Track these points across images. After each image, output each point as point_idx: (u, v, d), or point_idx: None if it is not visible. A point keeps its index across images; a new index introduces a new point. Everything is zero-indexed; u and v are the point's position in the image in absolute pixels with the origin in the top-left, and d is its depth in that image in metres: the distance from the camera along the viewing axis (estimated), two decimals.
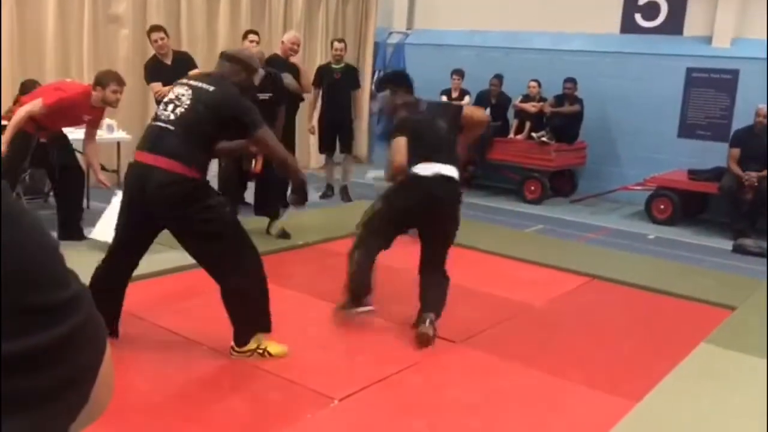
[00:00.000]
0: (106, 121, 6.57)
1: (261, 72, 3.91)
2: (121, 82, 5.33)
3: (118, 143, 6.64)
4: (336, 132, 7.84)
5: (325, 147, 8.08)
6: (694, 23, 8.75)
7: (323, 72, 7.82)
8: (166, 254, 5.24)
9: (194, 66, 6.66)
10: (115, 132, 6.55)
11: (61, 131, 5.61)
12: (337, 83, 7.72)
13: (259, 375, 3.43)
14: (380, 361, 3.69)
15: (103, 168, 6.63)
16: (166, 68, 6.49)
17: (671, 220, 7.86)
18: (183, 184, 3.28)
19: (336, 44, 7.86)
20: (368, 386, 3.37)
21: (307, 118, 7.96)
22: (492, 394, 3.43)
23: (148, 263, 4.94)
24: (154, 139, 3.34)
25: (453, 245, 4.20)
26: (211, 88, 3.38)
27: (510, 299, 4.86)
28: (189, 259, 5.09)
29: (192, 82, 3.44)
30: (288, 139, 7.01)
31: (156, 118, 3.43)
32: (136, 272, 4.74)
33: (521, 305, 4.77)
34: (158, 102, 6.35)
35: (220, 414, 3.06)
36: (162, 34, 6.56)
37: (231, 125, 3.48)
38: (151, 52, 7.61)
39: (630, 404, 3.31)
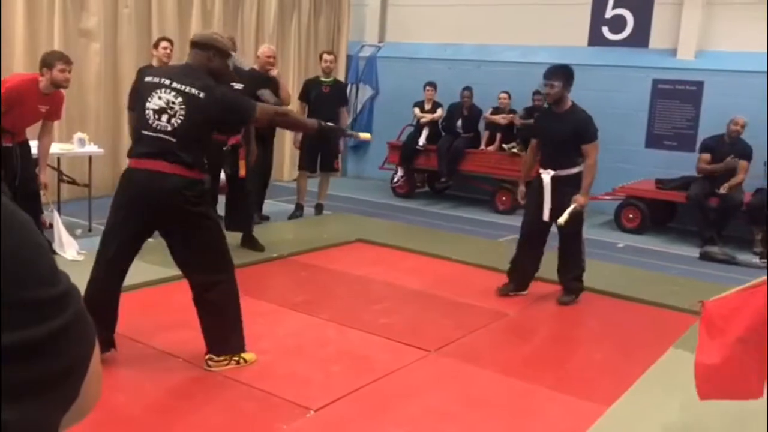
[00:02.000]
0: (78, 135, 6.53)
1: (234, 56, 3.89)
2: (68, 61, 5.15)
3: (90, 157, 6.59)
4: (319, 149, 7.46)
5: (306, 164, 7.61)
6: (659, 36, 8.95)
7: (311, 85, 7.54)
8: (138, 268, 5.22)
9: None
10: (86, 146, 6.50)
11: (26, 141, 5.47)
12: (326, 97, 7.40)
13: (234, 386, 3.43)
14: (355, 371, 3.71)
15: (73, 182, 6.59)
16: None
17: (640, 229, 8.00)
18: (194, 186, 3.41)
19: (326, 56, 7.59)
20: (344, 396, 3.39)
21: (294, 132, 7.56)
22: (467, 402, 3.46)
23: None
24: (156, 148, 3.37)
25: (427, 255, 4.23)
26: (202, 95, 3.39)
27: (483, 308, 4.91)
28: (161, 273, 5.08)
29: (178, 86, 3.40)
30: (266, 153, 7.01)
31: (151, 127, 3.39)
32: None
33: (494, 313, 4.82)
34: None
35: (196, 425, 3.06)
36: (168, 44, 6.57)
37: (228, 122, 3.69)
38: (128, 64, 7.62)
39: (602, 408, 3.37)
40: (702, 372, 2.89)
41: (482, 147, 9.32)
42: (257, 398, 3.32)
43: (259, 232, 6.12)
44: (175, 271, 5.10)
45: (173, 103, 3.37)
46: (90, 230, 6.41)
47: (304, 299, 4.89)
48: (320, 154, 7.54)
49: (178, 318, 4.33)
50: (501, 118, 9.12)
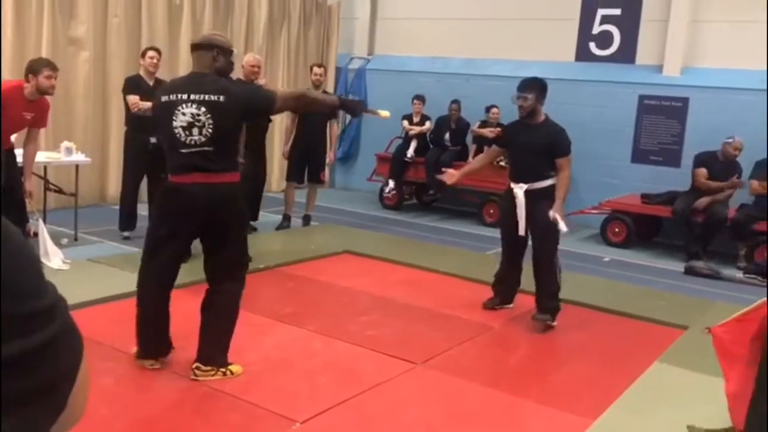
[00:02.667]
0: (65, 143, 6.50)
1: (235, 51, 3.91)
2: (54, 68, 5.15)
3: (77, 166, 6.56)
4: (307, 161, 7.53)
5: (294, 175, 7.62)
6: (645, 52, 9.04)
7: None
8: (124, 278, 5.19)
9: None
10: (73, 155, 6.47)
11: (12, 148, 5.44)
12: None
13: (220, 398, 3.42)
14: (342, 383, 3.71)
15: (60, 191, 6.56)
16: (146, 87, 6.48)
17: (626, 243, 8.05)
18: (237, 188, 3.58)
19: (315, 69, 7.60)
20: (330, 408, 3.39)
21: (284, 142, 7.61)
22: (453, 415, 3.47)
23: (105, 287, 4.91)
24: (196, 161, 3.43)
25: (415, 267, 4.24)
26: (222, 99, 3.45)
27: (470, 320, 4.92)
28: None
29: (197, 97, 3.43)
30: (258, 162, 7.01)
31: (185, 144, 3.42)
32: (93, 296, 4.72)
33: (480, 326, 4.83)
34: (130, 111, 6.33)
35: None
36: (155, 54, 6.56)
37: (253, 116, 3.94)
38: (117, 73, 7.60)
39: (587, 422, 3.39)
40: (731, 400, 2.89)
41: (470, 160, 9.35)
42: (243, 410, 3.31)
43: None
44: None
45: (199, 115, 3.41)
46: (76, 239, 6.38)
47: (291, 311, 4.88)
48: (308, 165, 7.57)
49: None
50: (488, 132, 9.17)
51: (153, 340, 3.66)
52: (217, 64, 3.56)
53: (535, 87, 4.89)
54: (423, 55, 10.57)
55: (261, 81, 7.01)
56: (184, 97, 3.44)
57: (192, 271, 5.57)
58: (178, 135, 3.43)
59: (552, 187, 4.80)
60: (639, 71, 9.08)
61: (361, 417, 3.36)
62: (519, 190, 4.84)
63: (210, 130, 3.41)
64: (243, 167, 5.95)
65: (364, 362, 4.03)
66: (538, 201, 4.76)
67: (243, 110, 3.56)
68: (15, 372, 0.55)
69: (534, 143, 4.79)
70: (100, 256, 5.79)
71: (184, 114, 3.42)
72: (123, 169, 6.78)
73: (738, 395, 2.83)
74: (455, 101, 9.38)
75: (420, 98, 9.58)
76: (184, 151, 3.43)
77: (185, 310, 4.49)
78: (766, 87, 7.64)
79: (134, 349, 3.72)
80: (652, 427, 3.43)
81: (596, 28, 9.33)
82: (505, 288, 5.17)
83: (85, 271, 5.32)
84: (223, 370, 3.59)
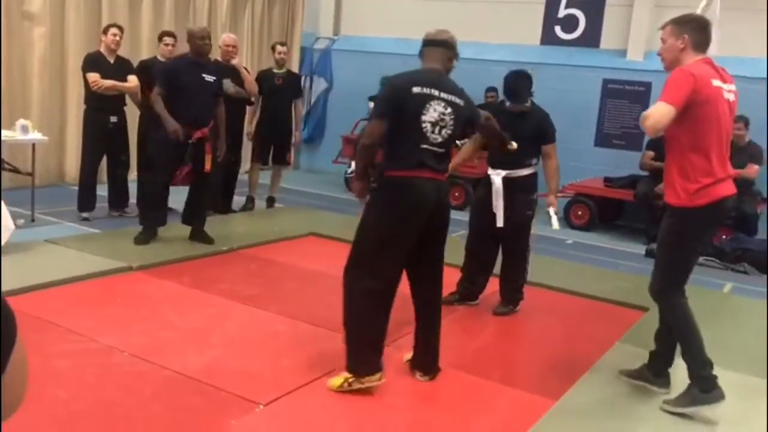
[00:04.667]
0: (21, 121, 6.32)
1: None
2: None
3: (33, 145, 6.38)
4: (272, 142, 7.39)
5: (259, 156, 7.51)
6: (610, 37, 9.11)
7: (264, 77, 7.35)
8: (83, 260, 5.09)
9: (132, 71, 6.50)
10: (30, 133, 6.29)
11: None
12: (279, 89, 7.27)
13: (182, 381, 3.37)
14: (305, 365, 3.68)
15: (15, 170, 6.39)
16: (107, 65, 6.32)
17: (588, 226, 8.14)
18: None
19: (279, 47, 7.46)
20: (293, 390, 3.36)
21: (247, 122, 7.44)
22: (416, 395, 3.47)
23: (63, 269, 4.81)
24: (431, 160, 3.38)
25: None
26: (461, 102, 3.48)
27: (444, 305, 4.92)
28: (105, 265, 4.98)
29: (447, 96, 3.41)
30: (234, 144, 6.89)
31: (427, 140, 3.35)
32: (51, 278, 4.61)
33: (444, 308, 4.82)
34: (90, 90, 6.18)
35: (142, 421, 2.99)
36: (117, 31, 6.40)
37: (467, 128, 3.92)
38: (75, 50, 7.41)
39: (550, 402, 3.42)
40: None
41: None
42: (206, 393, 3.26)
43: (209, 224, 6.03)
44: (120, 263, 5.03)
45: (444, 114, 3.38)
46: (33, 220, 6.23)
47: (254, 293, 4.83)
48: (273, 146, 7.47)
49: (123, 311, 4.24)
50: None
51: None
52: (449, 65, 3.56)
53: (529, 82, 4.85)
54: (389, 36, 10.50)
55: (235, 61, 6.89)
56: (436, 93, 3.37)
57: (163, 252, 5.49)
58: (425, 130, 3.35)
59: (531, 177, 4.68)
60: (603, 55, 9.15)
61: (324, 398, 3.34)
62: (497, 177, 4.64)
63: (448, 132, 3.40)
64: (221, 152, 5.87)
65: (328, 344, 4.01)
66: (516, 192, 4.60)
67: (467, 120, 3.62)
68: None
69: (521, 129, 4.57)
70: (57, 237, 5.66)
71: (435, 110, 3.36)
72: (82, 149, 6.62)
73: None
74: None
75: None
76: (424, 146, 3.35)
77: (155, 292, 4.45)
78: (766, 76, 7.74)
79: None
80: (613, 406, 3.48)
81: (562, 12, 9.37)
82: (470, 288, 4.94)
83: (42, 252, 5.19)
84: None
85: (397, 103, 3.33)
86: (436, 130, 3.36)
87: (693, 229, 3.33)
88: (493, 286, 5.00)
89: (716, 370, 3.31)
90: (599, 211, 8.22)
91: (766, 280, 6.34)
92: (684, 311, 3.32)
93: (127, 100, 6.61)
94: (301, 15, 11.11)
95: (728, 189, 3.28)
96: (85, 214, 6.51)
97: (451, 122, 3.39)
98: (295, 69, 10.53)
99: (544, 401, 3.44)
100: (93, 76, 6.23)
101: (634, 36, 8.93)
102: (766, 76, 7.74)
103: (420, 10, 10.25)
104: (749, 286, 6.29)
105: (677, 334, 3.39)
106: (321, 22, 11.27)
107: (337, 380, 3.39)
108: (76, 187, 6.72)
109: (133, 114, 6.81)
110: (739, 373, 3.93)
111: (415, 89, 3.35)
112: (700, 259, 7.11)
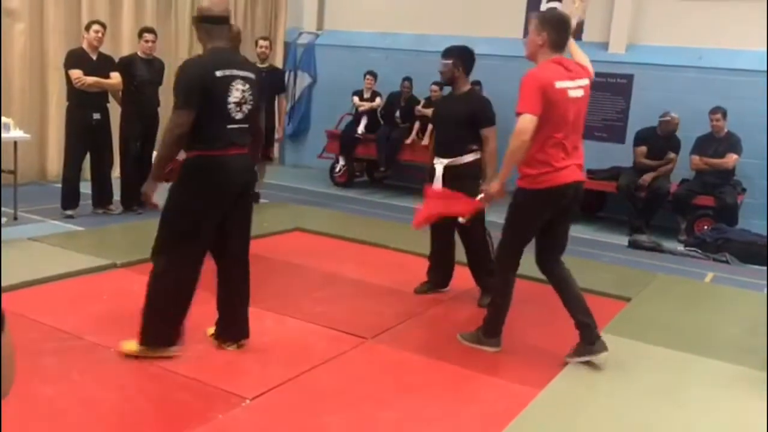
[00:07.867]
0: (2, 119, 6.26)
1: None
2: None
3: (15, 143, 6.33)
4: None
5: None
6: (592, 30, 9.15)
7: None
8: (67, 257, 5.07)
9: (114, 68, 6.47)
10: (11, 131, 6.24)
11: None
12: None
13: (168, 377, 3.37)
14: (292, 359, 3.70)
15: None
16: (89, 61, 6.29)
17: None
18: None
19: (261, 42, 7.49)
20: (280, 385, 3.37)
21: None
22: (403, 388, 3.49)
23: (47, 267, 4.79)
24: (237, 137, 3.50)
25: (366, 244, 4.22)
26: (254, 76, 3.56)
27: (420, 295, 4.95)
28: (90, 263, 4.97)
29: (244, 74, 3.49)
30: None
31: (233, 120, 3.45)
32: (35, 276, 4.59)
33: (430, 301, 4.87)
34: (73, 86, 6.14)
35: (128, 417, 2.99)
36: (100, 28, 6.37)
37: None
38: (56, 47, 7.36)
39: (534, 392, 3.46)
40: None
41: (413, 137, 9.29)
42: (192, 388, 3.27)
43: None
44: (104, 261, 5.01)
45: (245, 92, 3.48)
46: (16, 218, 6.18)
47: None
48: None
49: (108, 308, 4.23)
50: (430, 111, 9.15)
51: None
52: (236, 41, 3.86)
53: (455, 53, 4.66)
54: (373, 31, 10.50)
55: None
56: (236, 73, 3.48)
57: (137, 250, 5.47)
58: (230, 110, 3.48)
59: (474, 164, 4.63)
60: (585, 48, 9.05)
61: (312, 392, 3.36)
62: (439, 165, 4.67)
63: (249, 107, 3.56)
64: None
65: (315, 338, 4.03)
66: (461, 180, 4.53)
67: (261, 90, 3.73)
68: None
69: (456, 112, 4.61)
70: (41, 235, 5.63)
71: (237, 90, 3.47)
72: (65, 146, 6.59)
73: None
74: (407, 78, 9.36)
75: (372, 74, 9.53)
76: (231, 126, 3.46)
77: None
78: (766, 69, 7.81)
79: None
80: (597, 395, 3.53)
81: (544, 5, 9.40)
82: (437, 274, 5.02)
83: (26, 250, 5.17)
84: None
85: (203, 90, 3.37)
86: (240, 108, 3.48)
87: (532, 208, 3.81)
88: (471, 280, 5.01)
89: (699, 359, 3.36)
90: (582, 203, 8.25)
91: (766, 273, 6.39)
92: (509, 281, 4.09)
93: (110, 97, 6.58)
94: (284, 10, 11.08)
95: (568, 177, 3.67)
96: (69, 212, 6.47)
97: (251, 98, 3.52)
98: (279, 64, 10.51)
99: (530, 391, 3.47)
100: (75, 73, 6.19)
101: (616, 28, 8.98)
102: (765, 68, 7.82)
103: (402, 5, 10.27)
104: (731, 275, 6.37)
105: (494, 294, 4.14)
106: (305, 17, 11.24)
107: (131, 345, 3.53)
108: (59, 185, 6.67)
109: (115, 111, 6.78)
110: (722, 362, 3.99)
111: (218, 73, 3.41)
112: (682, 249, 7.20)
